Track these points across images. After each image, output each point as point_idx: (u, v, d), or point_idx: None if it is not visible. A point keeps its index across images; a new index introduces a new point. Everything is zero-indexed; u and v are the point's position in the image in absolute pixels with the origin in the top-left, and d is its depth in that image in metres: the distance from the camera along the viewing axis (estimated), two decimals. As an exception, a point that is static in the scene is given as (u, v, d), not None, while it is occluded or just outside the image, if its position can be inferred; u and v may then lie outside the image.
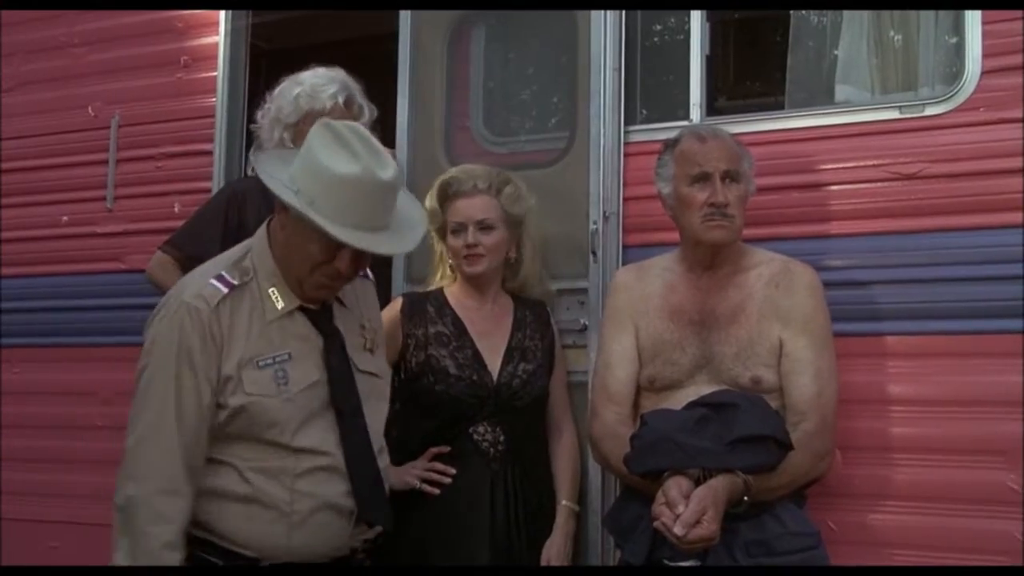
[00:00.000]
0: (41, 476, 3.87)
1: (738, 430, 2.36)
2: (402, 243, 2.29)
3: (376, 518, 2.31)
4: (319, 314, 2.30)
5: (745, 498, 2.33)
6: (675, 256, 2.77)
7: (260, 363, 2.20)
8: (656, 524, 2.29)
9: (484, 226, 2.92)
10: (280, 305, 2.25)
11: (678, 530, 2.23)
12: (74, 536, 3.80)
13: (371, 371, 2.36)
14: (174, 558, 2.13)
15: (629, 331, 2.71)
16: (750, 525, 2.38)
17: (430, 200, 2.97)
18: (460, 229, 2.94)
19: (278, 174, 2.22)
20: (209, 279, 2.24)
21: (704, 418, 2.42)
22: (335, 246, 2.17)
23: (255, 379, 2.19)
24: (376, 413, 2.36)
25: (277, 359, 2.21)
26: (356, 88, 3.15)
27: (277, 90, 3.16)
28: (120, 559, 2.16)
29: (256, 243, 2.32)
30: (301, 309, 2.28)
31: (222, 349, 2.18)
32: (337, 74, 3.13)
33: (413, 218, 2.34)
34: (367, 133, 2.24)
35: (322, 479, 2.22)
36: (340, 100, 3.08)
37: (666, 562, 2.36)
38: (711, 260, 2.67)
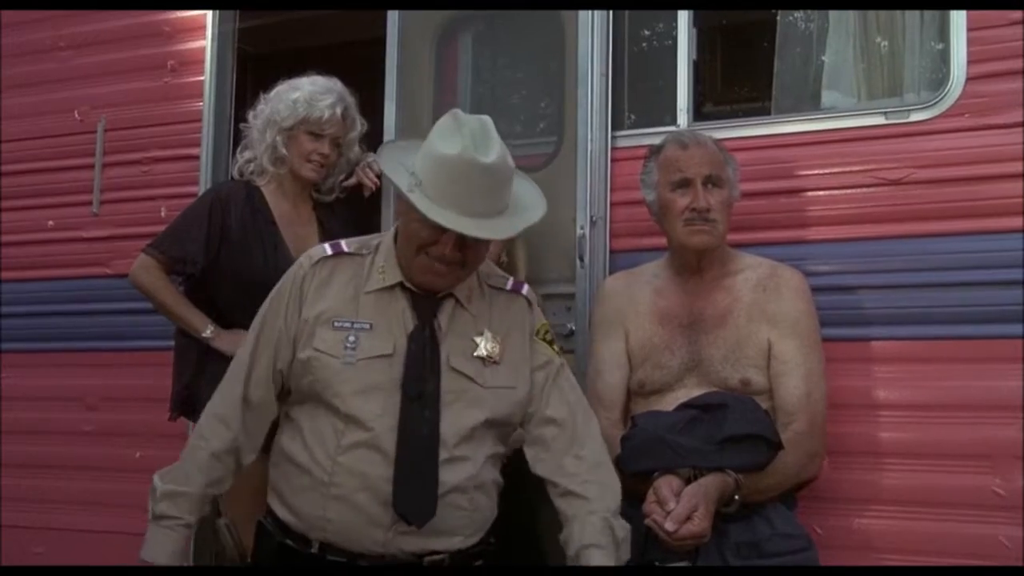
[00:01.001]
0: (26, 482, 3.85)
1: (727, 429, 2.38)
2: (497, 230, 2.23)
3: (411, 512, 2.16)
4: (424, 301, 2.28)
5: (736, 497, 2.34)
6: (663, 262, 2.78)
7: (336, 323, 2.24)
8: (647, 521, 2.30)
9: None
10: (383, 278, 2.28)
11: (669, 526, 2.24)
12: (60, 542, 3.78)
13: (466, 373, 2.25)
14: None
15: (619, 336, 2.72)
16: (740, 527, 2.39)
17: None
18: None
19: (402, 158, 2.27)
20: (325, 243, 2.36)
21: (694, 419, 2.44)
22: (439, 228, 2.16)
23: (325, 337, 2.23)
24: (458, 417, 2.22)
25: (355, 325, 2.24)
26: (352, 102, 3.16)
27: (273, 92, 3.15)
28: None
29: (390, 230, 2.38)
30: (408, 293, 2.27)
31: (306, 299, 2.26)
32: (335, 85, 3.13)
33: (528, 206, 2.29)
34: (490, 124, 2.23)
35: (365, 457, 2.18)
36: (337, 112, 3.08)
37: (657, 564, 2.36)
38: (697, 264, 2.68)
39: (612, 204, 3.11)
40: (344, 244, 2.34)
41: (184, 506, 2.25)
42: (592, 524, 2.23)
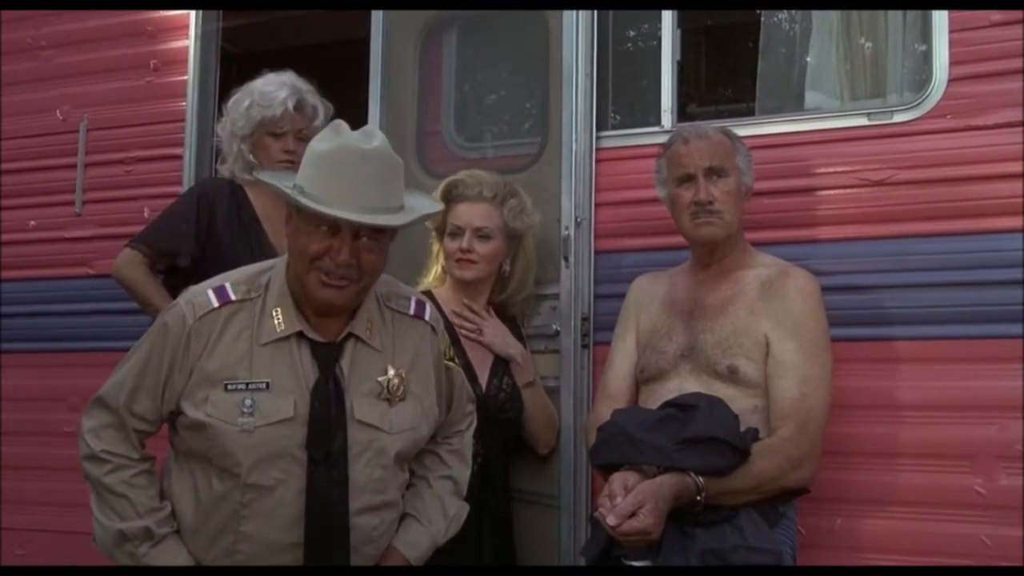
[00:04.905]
0: (7, 483, 3.83)
1: (690, 430, 2.36)
2: (390, 219, 2.09)
3: None
4: (326, 349, 2.15)
5: (698, 498, 2.32)
6: (687, 260, 2.79)
7: (229, 386, 2.10)
8: (595, 514, 2.31)
9: (482, 234, 2.93)
10: (280, 327, 2.13)
11: (611, 520, 2.24)
12: (41, 543, 3.76)
13: (371, 423, 2.15)
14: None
15: (632, 327, 2.74)
16: (709, 533, 2.35)
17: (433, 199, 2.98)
18: (458, 233, 2.94)
19: (282, 179, 2.19)
20: (209, 288, 2.18)
21: (668, 417, 2.43)
22: (329, 234, 2.07)
23: (218, 402, 2.09)
24: (367, 467, 2.14)
25: (251, 386, 2.10)
26: (307, 89, 3.12)
27: (231, 101, 3.14)
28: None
29: (279, 261, 2.23)
30: (307, 340, 2.15)
31: (197, 358, 2.12)
32: (287, 78, 3.11)
33: (418, 204, 2.19)
34: (372, 128, 2.17)
35: (270, 524, 2.09)
36: (290, 105, 3.05)
37: (622, 560, 2.36)
38: (710, 258, 2.69)
39: (597, 205, 3.11)
40: (230, 290, 2.16)
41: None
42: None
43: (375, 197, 2.07)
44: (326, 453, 2.10)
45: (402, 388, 2.20)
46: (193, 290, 2.22)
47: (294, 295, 2.17)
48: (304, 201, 2.04)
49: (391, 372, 2.20)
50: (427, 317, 2.33)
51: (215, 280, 2.22)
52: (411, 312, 2.30)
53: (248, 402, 2.09)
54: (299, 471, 2.09)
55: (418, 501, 2.32)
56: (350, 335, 2.18)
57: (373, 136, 2.11)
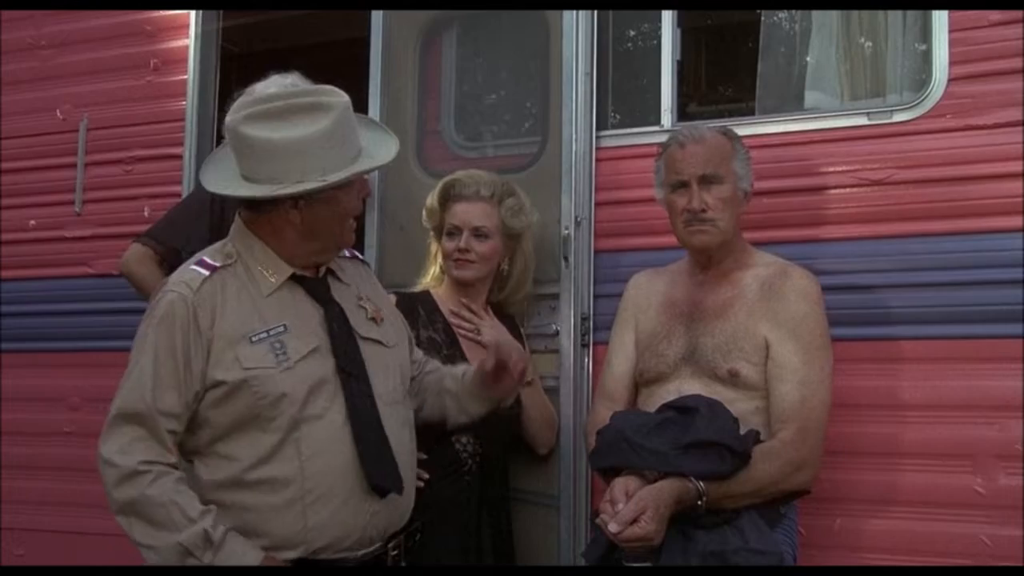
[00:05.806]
0: (7, 483, 3.83)
1: (690, 435, 2.35)
2: (390, 146, 2.35)
3: (384, 482, 2.23)
4: (316, 285, 2.31)
5: (699, 503, 2.32)
6: (686, 257, 2.79)
7: (253, 338, 2.19)
8: (597, 520, 2.31)
9: (479, 233, 2.93)
10: (272, 277, 2.26)
11: (612, 527, 2.24)
12: (41, 544, 3.76)
13: (375, 338, 2.35)
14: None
15: (630, 327, 2.73)
16: (711, 536, 2.35)
17: (431, 199, 2.99)
18: (455, 232, 2.94)
19: (234, 180, 2.25)
20: (191, 265, 2.27)
21: (668, 421, 2.42)
22: (355, 190, 2.29)
23: (249, 355, 2.18)
24: (384, 382, 2.31)
25: (272, 332, 2.21)
26: None
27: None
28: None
29: (233, 232, 2.33)
30: (298, 282, 2.29)
31: (211, 327, 2.17)
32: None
33: (374, 130, 2.42)
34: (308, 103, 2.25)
35: (331, 448, 2.19)
36: None
37: (623, 562, 2.36)
38: (707, 263, 2.68)
39: (597, 204, 3.11)
40: (210, 259, 2.26)
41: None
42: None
43: (357, 143, 2.29)
44: (355, 370, 2.26)
45: (379, 310, 2.42)
46: (175, 276, 2.27)
47: (281, 251, 2.28)
48: (343, 175, 2.20)
49: (364, 296, 2.41)
50: (360, 257, 2.56)
51: (188, 262, 2.31)
52: (347, 255, 2.49)
53: (277, 345, 2.21)
54: (339, 395, 2.23)
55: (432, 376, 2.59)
56: (328, 271, 2.37)
57: (318, 112, 2.21)
